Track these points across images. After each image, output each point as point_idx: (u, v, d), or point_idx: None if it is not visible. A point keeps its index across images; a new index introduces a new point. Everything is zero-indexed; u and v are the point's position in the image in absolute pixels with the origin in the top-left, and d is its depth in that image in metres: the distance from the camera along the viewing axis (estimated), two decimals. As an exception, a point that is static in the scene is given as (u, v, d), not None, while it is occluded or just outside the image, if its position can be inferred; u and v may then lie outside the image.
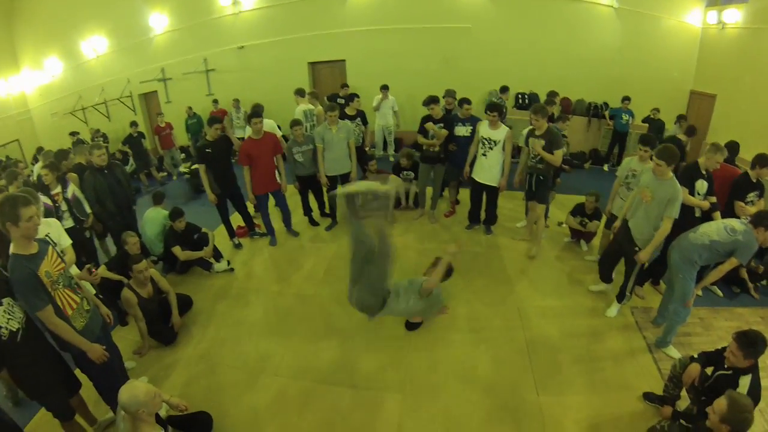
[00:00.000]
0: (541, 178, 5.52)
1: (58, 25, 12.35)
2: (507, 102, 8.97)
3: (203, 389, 3.93)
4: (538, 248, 6.01)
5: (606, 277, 4.98)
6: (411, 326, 4.51)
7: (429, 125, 6.24)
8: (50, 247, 2.99)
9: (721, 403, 2.51)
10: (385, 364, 4.13)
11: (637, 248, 4.32)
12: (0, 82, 12.62)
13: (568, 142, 6.70)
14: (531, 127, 5.44)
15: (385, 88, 9.60)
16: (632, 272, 4.51)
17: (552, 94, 8.38)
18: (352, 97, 7.99)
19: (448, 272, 3.83)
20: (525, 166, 5.76)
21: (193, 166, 5.84)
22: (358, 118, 7.51)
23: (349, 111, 7.49)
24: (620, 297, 4.71)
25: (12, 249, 2.78)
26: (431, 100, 6.30)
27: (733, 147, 5.38)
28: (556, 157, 5.31)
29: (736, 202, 4.70)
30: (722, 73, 8.92)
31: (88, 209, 5.42)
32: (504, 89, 9.29)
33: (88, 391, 3.42)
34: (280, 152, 6.10)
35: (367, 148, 7.94)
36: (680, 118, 8.52)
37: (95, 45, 12.32)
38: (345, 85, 9.69)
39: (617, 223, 4.71)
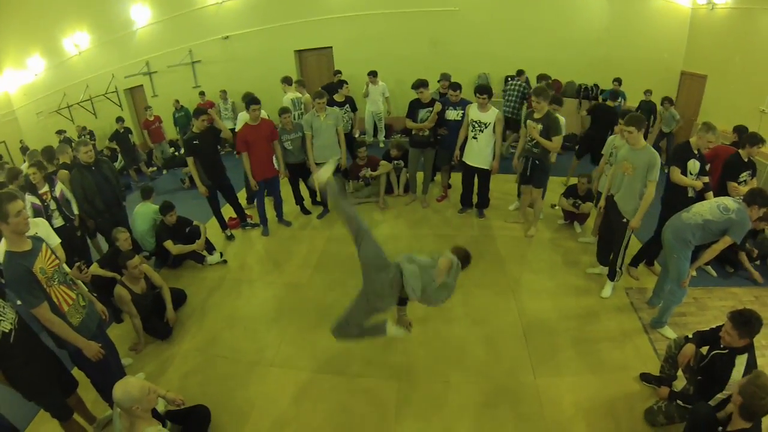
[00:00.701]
0: (537, 162, 5.51)
1: (38, 23, 12.10)
2: (521, 82, 8.65)
3: (200, 383, 3.91)
4: (536, 228, 6.05)
5: (603, 259, 4.99)
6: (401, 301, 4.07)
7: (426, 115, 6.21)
8: (44, 245, 2.97)
9: (746, 378, 2.49)
10: (381, 351, 4.13)
11: (625, 219, 4.37)
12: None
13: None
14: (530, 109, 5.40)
15: (373, 74, 9.51)
16: (621, 247, 4.53)
17: (543, 78, 8.34)
18: (340, 84, 7.95)
19: (466, 260, 3.46)
20: (523, 150, 5.69)
21: (188, 157, 5.81)
22: (347, 105, 7.46)
23: (337, 98, 7.45)
24: (611, 275, 4.73)
25: (5, 247, 2.76)
26: (420, 84, 6.22)
27: (742, 131, 5.32)
28: (555, 144, 5.29)
29: (728, 182, 4.71)
30: (712, 53, 8.89)
31: (75, 210, 5.37)
32: (520, 72, 9.04)
33: (85, 389, 3.39)
34: (277, 138, 6.08)
35: (356, 135, 7.91)
36: (665, 100, 8.62)
37: (77, 41, 12.09)
38: (337, 72, 9.64)
39: (601, 202, 4.75)
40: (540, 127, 5.25)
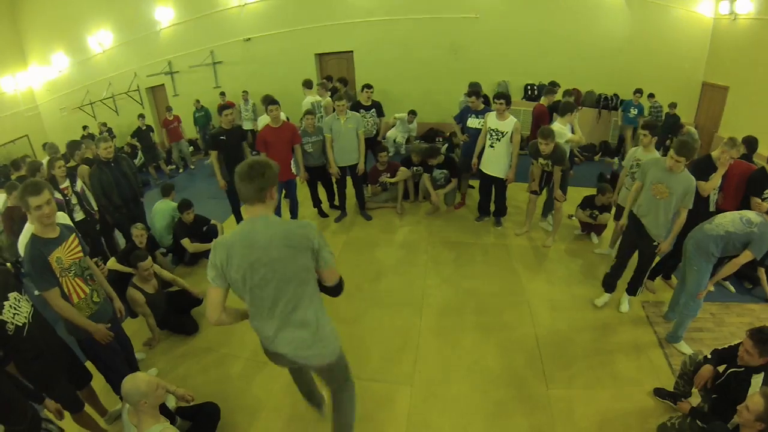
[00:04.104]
0: (562, 172, 5.54)
1: (64, 20, 12.34)
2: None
3: (212, 380, 3.94)
4: (553, 239, 6.01)
5: (611, 286, 4.77)
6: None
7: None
8: (72, 235, 3.05)
9: (756, 401, 2.40)
10: (394, 355, 4.13)
11: (655, 243, 4.26)
12: (8, 78, 12.62)
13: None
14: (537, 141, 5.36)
15: (412, 113, 9.79)
16: (644, 270, 4.48)
17: (555, 85, 8.31)
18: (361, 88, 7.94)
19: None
20: (536, 180, 5.83)
21: (211, 150, 5.89)
22: (373, 109, 7.36)
23: (363, 101, 7.27)
24: (632, 292, 4.65)
25: (33, 230, 2.87)
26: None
27: (751, 142, 5.16)
28: (555, 173, 5.46)
29: (752, 198, 4.59)
30: (734, 64, 8.78)
31: (95, 206, 5.45)
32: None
33: (97, 381, 3.43)
34: (299, 142, 6.07)
35: (381, 140, 7.93)
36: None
37: (101, 39, 12.30)
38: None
39: (623, 220, 4.62)
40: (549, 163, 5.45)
